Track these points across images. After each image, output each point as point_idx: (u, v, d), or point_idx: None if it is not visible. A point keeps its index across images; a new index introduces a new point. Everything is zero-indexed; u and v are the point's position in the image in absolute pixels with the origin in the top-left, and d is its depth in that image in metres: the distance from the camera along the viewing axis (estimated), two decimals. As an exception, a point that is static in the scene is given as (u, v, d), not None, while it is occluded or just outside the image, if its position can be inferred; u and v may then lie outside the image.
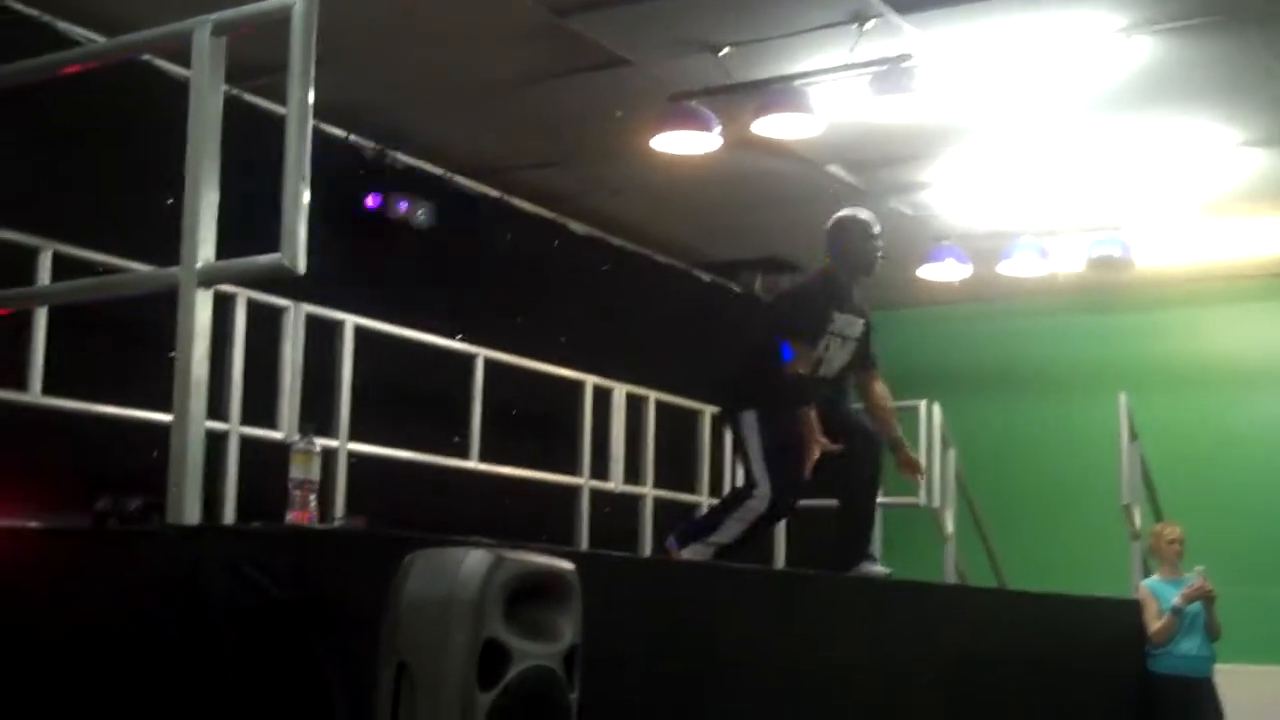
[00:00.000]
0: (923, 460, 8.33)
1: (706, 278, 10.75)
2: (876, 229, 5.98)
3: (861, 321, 6.00)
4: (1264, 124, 7.89)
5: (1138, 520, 8.12)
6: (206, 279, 3.42)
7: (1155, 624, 7.38)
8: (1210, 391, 10.70)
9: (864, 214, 6.09)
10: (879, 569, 5.97)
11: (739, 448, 5.96)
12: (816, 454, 5.66)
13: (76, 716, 3.20)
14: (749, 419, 5.79)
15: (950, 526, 8.45)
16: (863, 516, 6.05)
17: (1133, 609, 7.53)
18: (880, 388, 6.14)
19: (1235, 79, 7.28)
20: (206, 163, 3.47)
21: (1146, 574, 7.86)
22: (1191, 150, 8.27)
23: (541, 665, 2.76)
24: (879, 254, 5.99)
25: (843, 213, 6.13)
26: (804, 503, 6.00)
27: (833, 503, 5.98)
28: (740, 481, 6.10)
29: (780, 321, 5.92)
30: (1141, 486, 8.28)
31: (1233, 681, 7.78)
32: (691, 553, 5.71)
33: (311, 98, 3.36)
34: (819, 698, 4.70)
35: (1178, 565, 7.60)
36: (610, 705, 3.43)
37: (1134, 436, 8.19)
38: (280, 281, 5.49)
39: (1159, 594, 7.47)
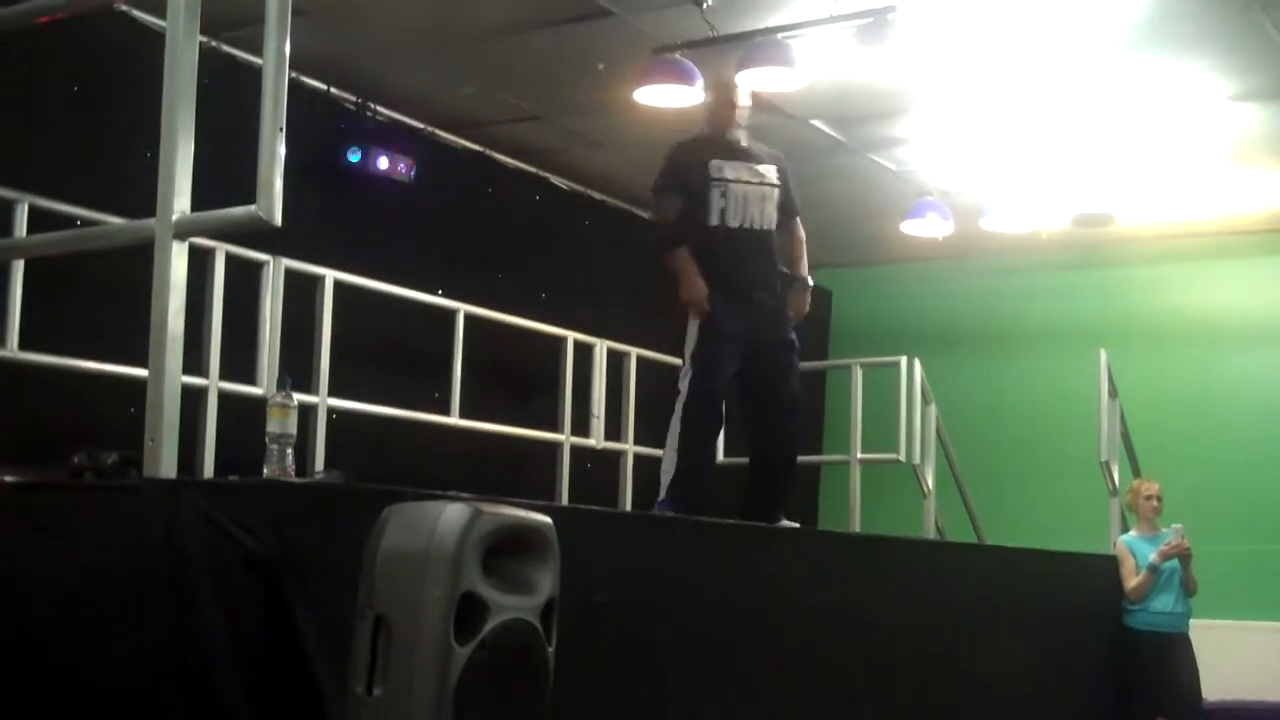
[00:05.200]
0: (902, 416, 8.41)
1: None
2: (739, 90, 6.20)
3: (774, 168, 6.09)
4: (1255, 77, 7.85)
5: (1116, 477, 8.16)
6: (182, 231, 3.39)
7: (1132, 580, 7.43)
8: (1191, 348, 10.72)
9: (731, 78, 6.38)
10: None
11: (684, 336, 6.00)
12: (694, 293, 5.82)
13: (52, 670, 3.19)
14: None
15: (930, 482, 8.47)
16: (773, 473, 6.03)
17: (1110, 565, 7.58)
18: (798, 231, 6.24)
19: (1226, 31, 7.25)
20: (182, 114, 3.44)
21: (1124, 530, 7.91)
22: (1180, 104, 8.23)
23: (519, 618, 2.76)
24: (735, 115, 6.13)
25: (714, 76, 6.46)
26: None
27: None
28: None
29: (658, 174, 6.09)
30: (1120, 443, 8.32)
31: (1209, 638, 7.84)
32: (664, 475, 5.78)
33: (288, 48, 3.33)
34: (795, 652, 4.73)
35: (1155, 522, 7.65)
36: (586, 658, 3.44)
37: (1114, 393, 8.22)
38: (259, 235, 5.47)
39: (1136, 550, 7.52)
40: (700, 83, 6.99)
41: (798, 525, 6.05)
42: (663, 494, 5.77)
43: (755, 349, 5.91)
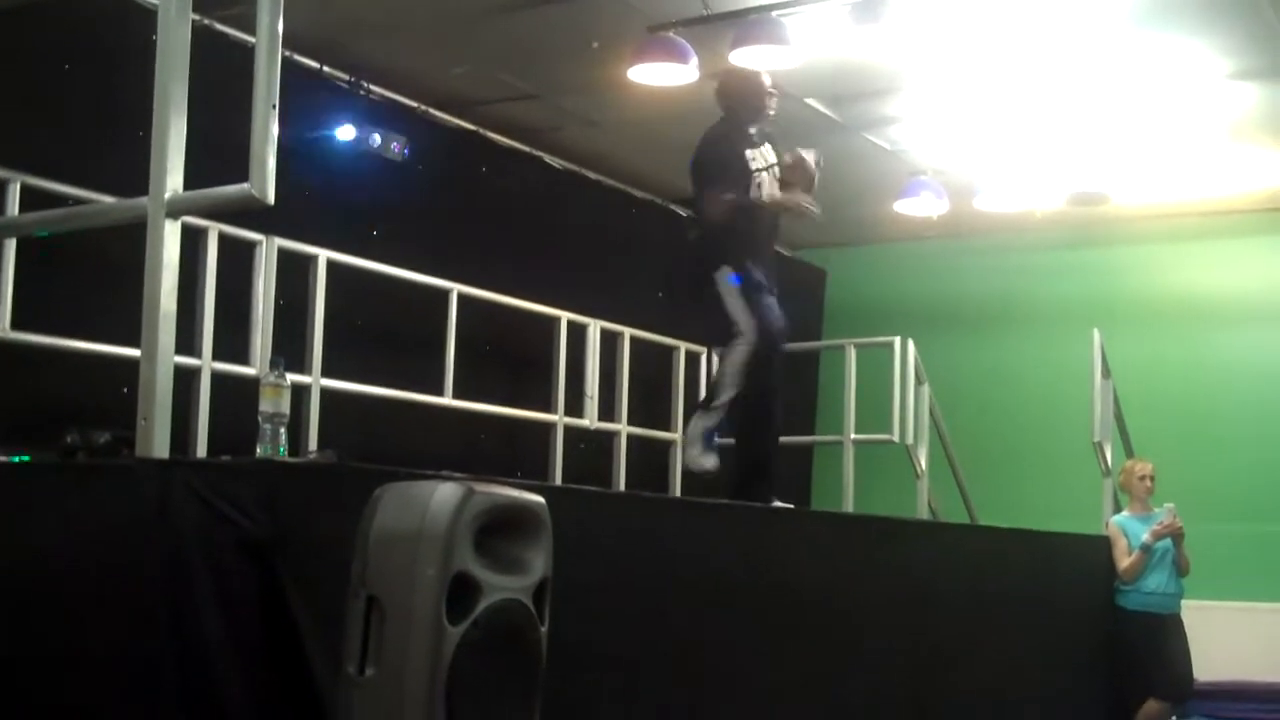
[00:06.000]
0: (895, 396, 8.40)
1: (683, 213, 10.70)
2: (766, 77, 6.27)
3: (769, 147, 6.24)
4: (1253, 56, 7.83)
5: (1109, 457, 8.17)
6: (174, 210, 3.39)
7: (1124, 560, 7.45)
8: (1186, 328, 10.72)
9: (751, 65, 6.46)
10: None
11: (718, 309, 6.03)
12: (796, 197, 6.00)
13: (46, 651, 3.19)
14: (722, 275, 6.00)
15: (923, 463, 8.48)
16: (765, 455, 6.12)
17: (1103, 545, 7.60)
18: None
19: (1224, 10, 7.22)
20: (175, 93, 3.43)
21: (1117, 510, 7.93)
22: (1178, 82, 8.20)
23: (511, 598, 2.76)
24: (769, 98, 6.25)
25: (728, 67, 6.53)
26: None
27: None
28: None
29: (704, 170, 6.11)
30: (1113, 423, 8.33)
31: (1201, 618, 7.87)
32: (701, 419, 5.99)
33: (281, 25, 3.32)
34: (788, 630, 4.74)
35: (1148, 502, 7.67)
36: (578, 638, 3.44)
37: (1106, 373, 8.22)
38: (251, 214, 5.45)
39: (1128, 530, 7.53)
40: (721, 70, 6.66)
41: (791, 506, 6.07)
42: (716, 414, 5.98)
43: None
